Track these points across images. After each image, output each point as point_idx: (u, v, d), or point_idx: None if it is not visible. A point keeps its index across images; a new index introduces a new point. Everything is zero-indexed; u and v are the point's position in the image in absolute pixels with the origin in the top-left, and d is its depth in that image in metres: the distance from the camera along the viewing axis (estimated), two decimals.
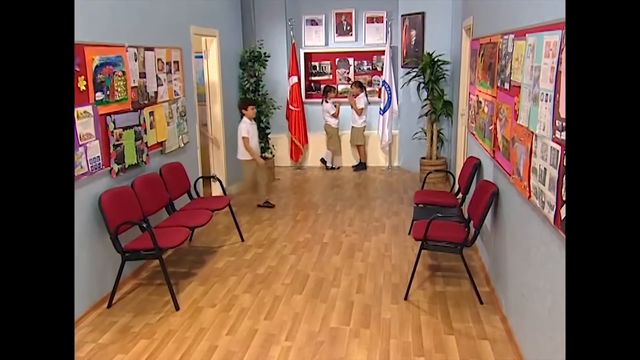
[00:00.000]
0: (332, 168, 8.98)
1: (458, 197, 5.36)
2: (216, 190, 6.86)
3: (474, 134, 5.20)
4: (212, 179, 6.89)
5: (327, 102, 8.71)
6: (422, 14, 7.94)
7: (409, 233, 5.55)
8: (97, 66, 4.00)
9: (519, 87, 3.24)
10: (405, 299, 4.09)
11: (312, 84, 9.28)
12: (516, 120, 3.30)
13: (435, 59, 7.58)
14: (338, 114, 8.71)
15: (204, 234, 5.69)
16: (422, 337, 3.55)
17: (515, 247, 3.44)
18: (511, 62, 3.49)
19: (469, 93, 5.62)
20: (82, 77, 3.82)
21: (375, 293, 4.23)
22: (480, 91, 4.77)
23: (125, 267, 4.10)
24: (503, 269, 3.81)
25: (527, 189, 3.00)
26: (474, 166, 4.86)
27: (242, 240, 5.52)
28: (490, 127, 4.15)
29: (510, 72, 3.50)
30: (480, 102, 4.70)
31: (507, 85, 3.62)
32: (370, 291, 4.26)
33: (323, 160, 9.06)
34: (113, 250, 4.03)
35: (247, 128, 6.44)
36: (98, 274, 4.10)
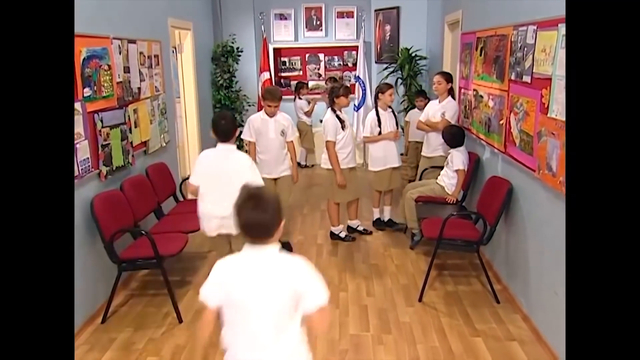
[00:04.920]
0: (306, 166, 8.76)
1: None
2: None
3: (469, 129, 5.11)
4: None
5: (300, 98, 8.46)
6: (397, 8, 7.84)
7: (404, 232, 5.41)
8: (84, 59, 3.65)
9: (547, 79, 3.14)
10: (420, 300, 3.95)
11: (282, 80, 9.03)
12: (543, 113, 3.21)
13: (413, 55, 7.50)
14: (312, 111, 8.46)
15: (190, 238, 5.33)
16: (448, 340, 3.40)
17: (542, 245, 3.35)
18: (533, 53, 3.40)
19: (460, 88, 5.53)
20: None
21: (387, 296, 4.06)
22: (480, 85, 4.68)
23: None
24: (522, 266, 3.72)
25: (565, 184, 2.90)
26: (475, 162, 4.77)
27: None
28: (501, 122, 4.05)
29: (533, 64, 3.40)
30: (482, 96, 4.61)
31: (526, 78, 3.52)
32: (381, 294, 4.09)
33: None
34: (105, 259, 3.69)
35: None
36: (89, 286, 3.74)
